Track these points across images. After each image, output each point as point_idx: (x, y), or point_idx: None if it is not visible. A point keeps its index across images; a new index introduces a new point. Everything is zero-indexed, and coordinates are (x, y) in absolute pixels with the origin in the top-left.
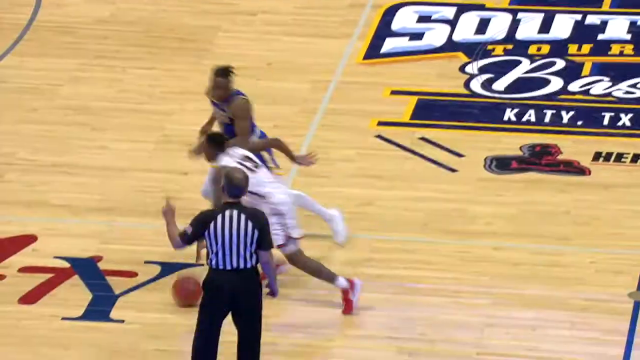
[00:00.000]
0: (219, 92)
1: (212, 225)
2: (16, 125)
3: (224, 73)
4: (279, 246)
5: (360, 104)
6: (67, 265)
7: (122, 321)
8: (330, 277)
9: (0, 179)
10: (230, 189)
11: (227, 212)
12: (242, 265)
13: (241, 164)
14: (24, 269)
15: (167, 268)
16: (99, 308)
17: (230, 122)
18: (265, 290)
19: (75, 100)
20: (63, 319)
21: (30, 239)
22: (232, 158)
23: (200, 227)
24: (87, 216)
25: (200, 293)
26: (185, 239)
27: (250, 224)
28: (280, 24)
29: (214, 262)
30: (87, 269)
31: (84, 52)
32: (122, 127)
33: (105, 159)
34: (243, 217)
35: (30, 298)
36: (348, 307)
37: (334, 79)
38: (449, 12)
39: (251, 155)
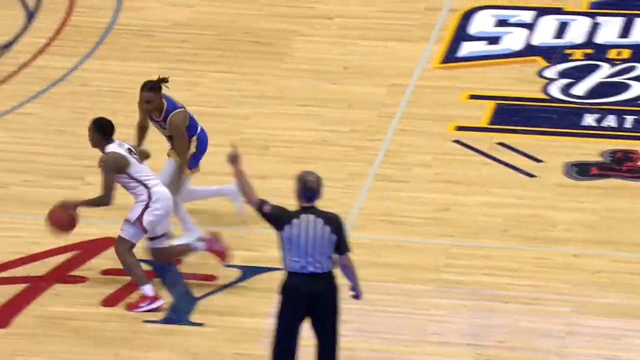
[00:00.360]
0: (147, 106)
1: (288, 228)
2: None
3: (149, 87)
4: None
5: (437, 109)
6: (148, 268)
7: (202, 324)
8: (139, 279)
9: (82, 182)
10: (305, 192)
11: (303, 217)
12: (319, 270)
13: (129, 153)
14: (106, 272)
15: (248, 272)
16: (180, 311)
17: (170, 137)
18: (350, 293)
19: None
20: (145, 321)
21: (111, 242)
22: (121, 147)
23: (275, 217)
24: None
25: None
26: (260, 206)
27: (327, 228)
28: (356, 28)
29: (290, 266)
30: (167, 272)
31: (163, 55)
32: None
33: None
34: (320, 221)
35: (112, 300)
36: (133, 306)
37: (411, 83)
38: (527, 16)
39: (134, 149)
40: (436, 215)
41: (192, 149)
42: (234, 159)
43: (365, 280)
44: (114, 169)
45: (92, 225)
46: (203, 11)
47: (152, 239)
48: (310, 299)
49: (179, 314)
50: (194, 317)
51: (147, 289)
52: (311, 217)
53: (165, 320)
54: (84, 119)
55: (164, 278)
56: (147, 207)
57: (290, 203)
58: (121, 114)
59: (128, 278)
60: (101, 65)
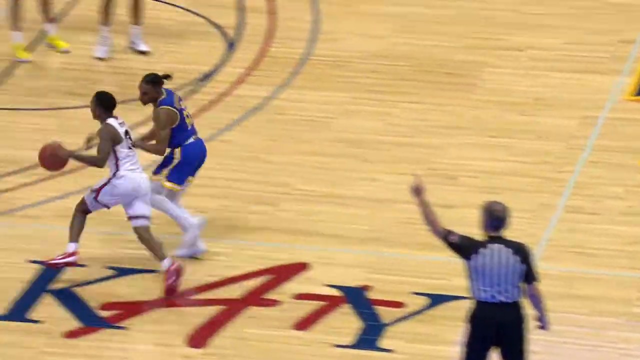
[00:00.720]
0: (142, 97)
1: (475, 257)
2: (292, 156)
3: (147, 80)
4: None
5: (629, 141)
6: (338, 293)
7: (391, 351)
8: (72, 237)
9: (276, 208)
10: (492, 221)
11: (492, 246)
12: (508, 299)
13: (125, 134)
14: (298, 296)
15: (436, 300)
16: (369, 337)
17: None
18: (536, 323)
19: (348, 133)
20: (335, 346)
21: (303, 267)
22: (121, 126)
23: (463, 247)
24: (357, 246)
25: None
26: (448, 236)
27: (517, 258)
28: (547, 60)
29: (479, 295)
30: (357, 298)
31: (356, 85)
32: (391, 159)
33: (375, 191)
34: (509, 251)
35: (303, 324)
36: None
37: (602, 115)
38: None
39: (131, 133)
40: (627, 248)
41: (175, 160)
42: (417, 190)
43: (554, 311)
44: (111, 138)
45: (284, 251)
46: (396, 42)
47: (130, 218)
48: (499, 328)
49: (368, 340)
50: (383, 343)
51: (71, 247)
52: (500, 246)
53: (355, 346)
54: (279, 147)
55: (354, 303)
56: (108, 182)
57: (478, 233)
58: (316, 143)
59: (321, 302)
60: (296, 95)
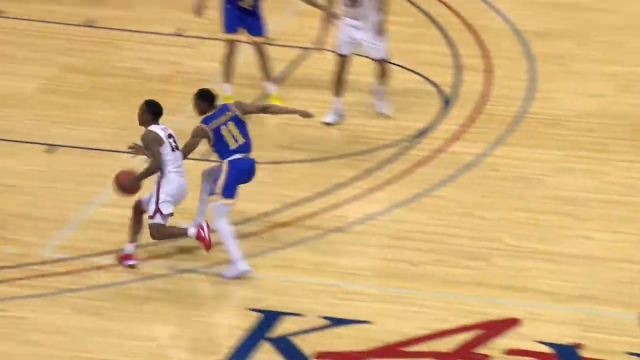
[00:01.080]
0: (193, 107)
1: None
2: (505, 212)
3: (196, 94)
4: (150, 217)
5: None
6: (549, 350)
7: None
8: (181, 233)
9: (488, 263)
10: None
11: None
12: None
13: (167, 137)
14: (509, 351)
15: None
16: None
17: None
18: None
19: (561, 190)
20: None
21: (514, 322)
22: (164, 131)
23: None
24: (569, 303)
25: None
26: None
27: None
28: None
29: None
30: (569, 355)
31: (571, 143)
32: (605, 217)
33: (588, 249)
34: None
35: None
36: (205, 244)
37: None
38: None
39: (175, 137)
40: None
41: (225, 172)
42: None
43: None
44: (153, 142)
45: (496, 306)
46: (614, 102)
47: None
48: None
49: None
50: None
51: (191, 232)
52: None
53: None
54: (492, 203)
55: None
56: (158, 193)
57: None
58: (529, 199)
59: (532, 359)
60: (511, 152)
